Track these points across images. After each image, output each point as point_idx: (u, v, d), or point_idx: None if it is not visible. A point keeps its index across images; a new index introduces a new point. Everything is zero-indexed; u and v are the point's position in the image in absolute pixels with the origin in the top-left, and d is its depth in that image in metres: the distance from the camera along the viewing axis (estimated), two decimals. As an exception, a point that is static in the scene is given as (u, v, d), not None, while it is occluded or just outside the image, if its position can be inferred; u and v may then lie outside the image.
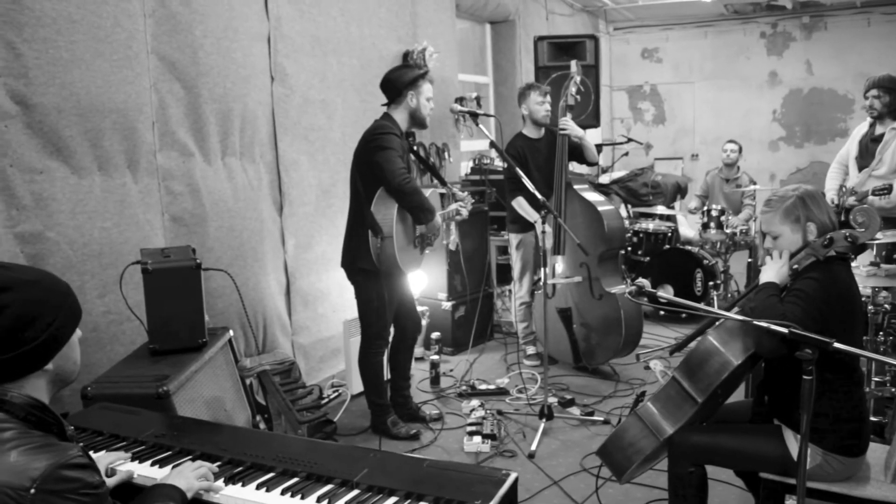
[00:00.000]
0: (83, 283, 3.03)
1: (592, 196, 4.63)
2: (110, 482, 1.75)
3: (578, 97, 4.66)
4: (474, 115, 3.96)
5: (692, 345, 2.47)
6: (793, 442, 2.26)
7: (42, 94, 2.87)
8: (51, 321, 1.44)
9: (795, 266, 2.31)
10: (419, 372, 4.65)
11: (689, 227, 6.90)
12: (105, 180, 3.15)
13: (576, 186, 4.61)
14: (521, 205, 4.57)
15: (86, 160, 3.06)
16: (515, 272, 4.92)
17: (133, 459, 1.89)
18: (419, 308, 4.15)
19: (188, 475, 1.70)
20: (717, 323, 2.47)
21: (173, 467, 1.78)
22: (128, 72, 3.23)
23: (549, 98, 4.67)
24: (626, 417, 2.70)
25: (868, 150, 4.65)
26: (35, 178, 2.87)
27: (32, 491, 1.26)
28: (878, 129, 4.61)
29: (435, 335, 5.00)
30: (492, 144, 4.13)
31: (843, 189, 4.79)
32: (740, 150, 6.54)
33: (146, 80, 3.33)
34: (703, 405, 2.36)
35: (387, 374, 3.90)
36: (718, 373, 2.32)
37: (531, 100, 4.66)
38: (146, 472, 1.83)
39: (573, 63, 4.64)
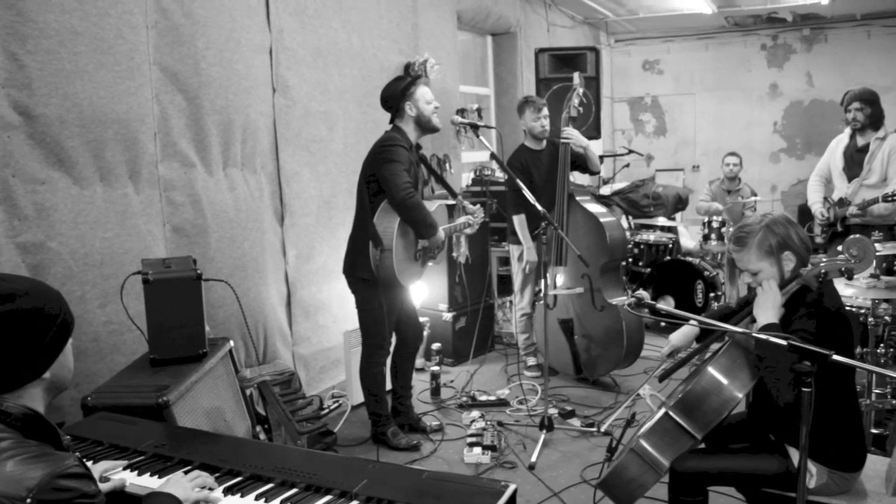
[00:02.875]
0: (84, 293, 3.03)
1: (594, 207, 4.64)
2: (103, 488, 1.75)
3: (581, 109, 4.68)
4: (475, 127, 3.97)
5: (692, 377, 2.44)
6: (797, 458, 2.24)
7: (45, 105, 2.88)
8: (48, 330, 1.45)
9: (785, 295, 2.26)
10: (419, 383, 4.64)
11: (689, 239, 6.91)
12: (107, 191, 3.16)
13: (578, 198, 4.62)
14: (521, 224, 4.59)
15: (88, 171, 3.07)
16: (516, 283, 4.92)
17: (132, 470, 1.89)
18: (420, 319, 4.15)
19: (185, 485, 1.70)
20: (710, 353, 2.44)
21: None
22: (130, 83, 3.24)
23: (544, 112, 4.68)
24: (620, 443, 2.68)
25: (854, 161, 4.79)
26: (37, 188, 2.88)
27: (28, 501, 1.26)
28: (861, 141, 4.78)
29: (435, 346, 4.99)
30: (492, 156, 4.14)
31: (830, 201, 4.87)
32: (741, 162, 6.57)
33: (148, 91, 3.35)
34: (703, 439, 2.33)
35: (388, 385, 3.89)
36: (719, 411, 2.26)
37: (527, 116, 4.69)
38: (145, 482, 1.83)
39: (576, 75, 4.66)
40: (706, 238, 6.01)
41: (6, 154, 2.78)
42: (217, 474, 1.84)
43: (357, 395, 4.16)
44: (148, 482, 1.83)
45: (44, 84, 2.88)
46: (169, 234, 3.49)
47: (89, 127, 3.06)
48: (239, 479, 1.83)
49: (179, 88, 3.51)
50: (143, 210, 3.33)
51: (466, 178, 6.27)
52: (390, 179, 3.42)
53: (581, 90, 4.60)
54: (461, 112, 5.63)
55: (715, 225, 5.99)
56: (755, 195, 6.45)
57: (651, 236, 6.46)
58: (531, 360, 5.01)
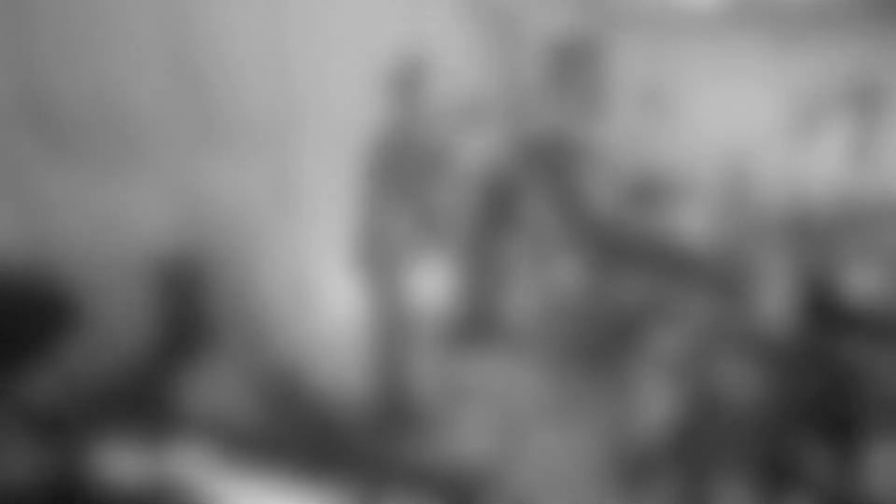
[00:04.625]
0: (91, 286, 3.02)
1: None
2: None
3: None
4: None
5: None
6: None
7: (52, 95, 2.87)
8: (59, 323, 1.44)
9: None
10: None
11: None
12: (115, 181, 3.15)
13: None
14: None
15: (95, 161, 3.06)
16: None
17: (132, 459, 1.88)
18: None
19: None
20: None
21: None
22: (140, 73, 3.23)
23: None
24: None
25: None
26: (43, 179, 2.87)
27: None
28: None
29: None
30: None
31: None
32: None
33: (159, 80, 3.33)
34: None
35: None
36: None
37: None
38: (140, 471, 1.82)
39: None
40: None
41: (12, 145, 2.77)
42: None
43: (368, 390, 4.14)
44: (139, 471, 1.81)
45: (50, 72, 2.87)
46: (178, 225, 3.48)
47: (97, 117, 3.05)
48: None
49: (190, 78, 3.50)
50: (152, 201, 3.32)
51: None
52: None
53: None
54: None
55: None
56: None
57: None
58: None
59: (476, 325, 5.21)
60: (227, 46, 3.68)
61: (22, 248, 2.85)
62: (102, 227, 3.09)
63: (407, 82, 3.64)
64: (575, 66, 4.70)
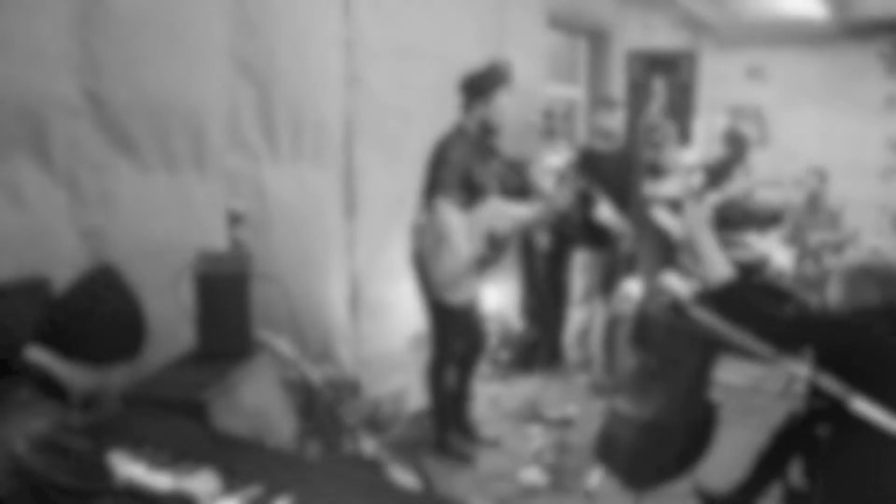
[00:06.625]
0: (141, 281, 3.01)
1: (666, 218, 4.37)
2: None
3: (664, 116, 4.46)
4: (553, 132, 3.85)
5: None
6: None
7: (113, 92, 2.89)
8: None
9: None
10: (483, 392, 4.50)
11: (783, 258, 6.50)
12: (171, 179, 3.15)
13: (651, 206, 4.38)
14: (606, 213, 4.37)
15: (153, 158, 3.07)
16: (580, 293, 4.74)
17: (146, 465, 1.83)
18: (487, 325, 4.04)
19: None
20: None
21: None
22: (200, 72, 3.23)
23: (612, 115, 4.52)
24: None
25: None
26: (101, 173, 2.89)
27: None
28: None
29: (502, 355, 4.84)
30: (570, 161, 3.99)
31: None
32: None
33: (218, 81, 3.34)
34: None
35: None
36: None
37: (599, 116, 4.59)
38: (153, 480, 1.76)
39: (658, 81, 4.47)
40: (801, 258, 5.63)
41: (73, 139, 2.80)
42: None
43: (419, 399, 4.06)
44: (155, 480, 1.75)
45: (113, 71, 2.89)
46: (232, 225, 3.47)
47: (156, 115, 3.06)
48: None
49: (251, 80, 3.49)
50: (207, 200, 3.32)
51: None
52: (441, 179, 3.40)
53: (663, 97, 4.39)
54: (546, 114, 5.45)
55: (812, 245, 5.61)
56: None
57: (739, 254, 6.09)
58: (596, 377, 4.80)
59: (539, 348, 5.08)
60: (294, 51, 3.67)
61: (83, 239, 2.88)
62: (157, 224, 3.10)
63: (481, 92, 3.57)
64: (668, 79, 4.55)
